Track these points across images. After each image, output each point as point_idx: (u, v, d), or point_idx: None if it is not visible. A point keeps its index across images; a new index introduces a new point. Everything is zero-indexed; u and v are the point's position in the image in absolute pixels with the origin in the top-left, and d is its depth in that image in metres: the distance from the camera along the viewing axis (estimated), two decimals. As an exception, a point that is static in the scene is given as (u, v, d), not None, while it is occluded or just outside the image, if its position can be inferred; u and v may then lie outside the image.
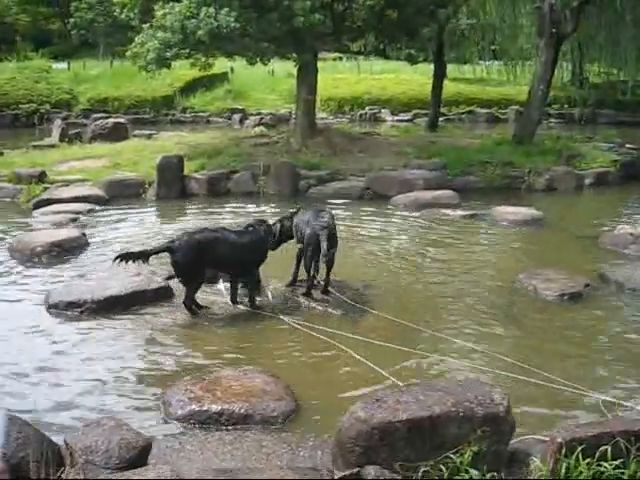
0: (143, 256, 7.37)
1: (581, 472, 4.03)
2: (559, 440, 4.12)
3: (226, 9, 13.53)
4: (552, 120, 29.12)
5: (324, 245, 7.38)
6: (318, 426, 5.16)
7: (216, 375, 5.77)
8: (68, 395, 5.61)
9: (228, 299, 7.77)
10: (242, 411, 5.20)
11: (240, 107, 30.37)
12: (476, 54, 26.11)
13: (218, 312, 7.57)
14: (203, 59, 16.03)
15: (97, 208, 12.56)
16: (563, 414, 5.38)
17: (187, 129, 25.40)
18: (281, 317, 7.38)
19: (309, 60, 16.47)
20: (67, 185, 13.77)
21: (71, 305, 7.42)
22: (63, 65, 34.42)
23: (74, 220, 11.54)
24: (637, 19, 18.25)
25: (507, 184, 14.98)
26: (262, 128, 22.71)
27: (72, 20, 43.69)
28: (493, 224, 11.93)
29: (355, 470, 4.14)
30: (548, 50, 17.25)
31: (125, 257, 7.28)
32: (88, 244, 10.06)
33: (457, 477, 4.08)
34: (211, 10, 13.49)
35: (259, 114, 29.12)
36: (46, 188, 13.51)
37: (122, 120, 22.95)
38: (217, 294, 8.01)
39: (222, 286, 8.13)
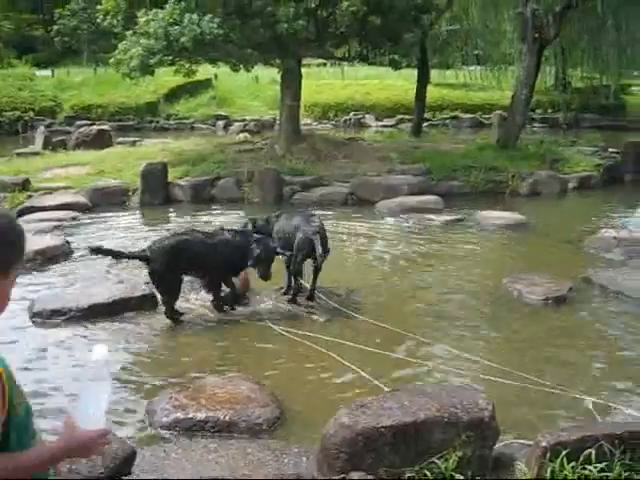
0: (118, 256, 7.49)
1: (566, 476, 4.05)
2: (544, 444, 4.13)
3: (209, 16, 13.55)
4: (536, 125, 29.25)
5: (319, 249, 7.41)
6: (303, 433, 5.15)
7: (201, 383, 5.76)
8: (51, 404, 5.57)
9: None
10: (227, 418, 5.18)
11: (224, 114, 30.40)
12: (459, 59, 26.16)
13: (202, 319, 7.54)
14: (187, 66, 16.03)
15: (81, 216, 12.50)
16: (548, 418, 5.39)
17: (171, 136, 25.34)
18: (266, 323, 7.37)
19: (293, 66, 16.49)
20: (51, 193, 13.70)
21: (55, 313, 7.38)
22: (47, 72, 34.35)
23: (58, 228, 11.48)
24: (619, 24, 18.34)
25: (491, 189, 15.01)
26: (246, 134, 22.74)
27: (55, 27, 43.62)
28: (477, 229, 11.96)
29: (340, 477, 4.14)
30: (531, 55, 17.35)
31: (100, 251, 7.39)
32: (72, 252, 10.01)
33: (442, 482, 4.09)
34: (194, 17, 13.50)
35: (243, 120, 29.17)
36: (30, 196, 13.45)
37: (106, 127, 22.93)
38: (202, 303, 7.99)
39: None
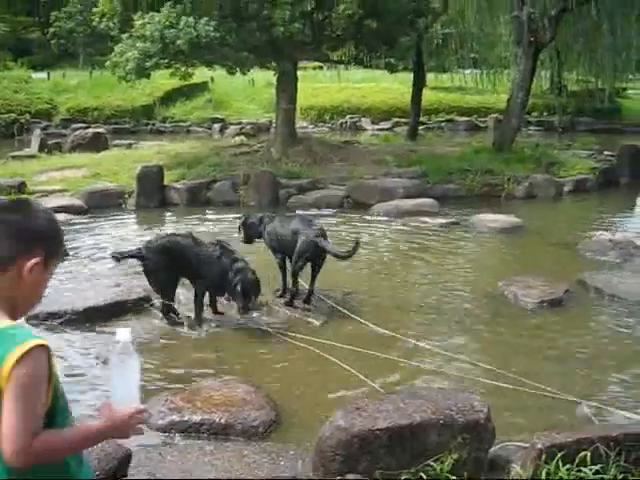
0: (115, 257, 7.63)
1: (561, 478, 4.05)
2: (539, 446, 4.14)
3: (205, 19, 13.56)
4: (531, 128, 29.24)
5: (331, 248, 7.62)
6: (299, 435, 5.15)
7: (197, 385, 5.76)
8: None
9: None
10: (223, 421, 5.19)
11: (220, 117, 30.35)
12: (455, 63, 26.20)
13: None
14: (183, 69, 16.02)
15: (77, 218, 12.49)
16: (543, 420, 5.39)
17: (167, 139, 25.31)
18: (262, 326, 7.37)
19: (289, 69, 16.50)
20: (46, 195, 13.67)
21: (51, 316, 7.36)
22: (43, 75, 34.25)
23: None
24: (614, 28, 18.39)
25: (487, 192, 15.02)
26: (242, 137, 22.70)
27: (51, 30, 43.57)
28: (473, 232, 11.97)
29: (336, 479, 4.14)
30: (527, 58, 17.36)
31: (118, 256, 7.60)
32: (68, 254, 10.00)
33: (438, 484, 4.10)
34: (190, 20, 13.51)
35: (239, 123, 29.11)
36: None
37: (102, 130, 22.89)
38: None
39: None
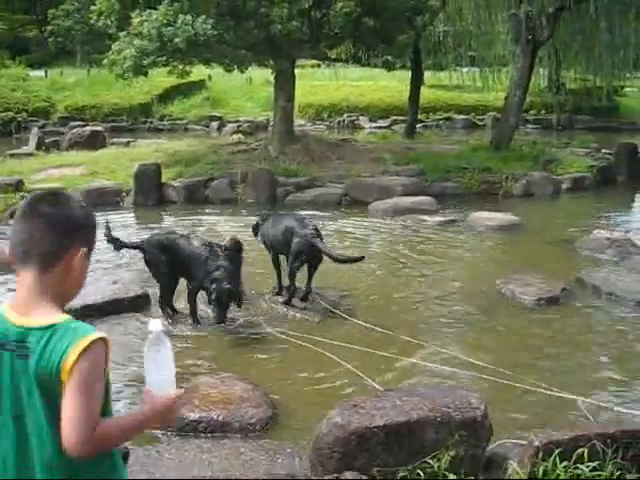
0: (116, 244, 7.70)
1: (558, 475, 4.06)
2: (536, 443, 4.15)
3: (203, 17, 13.53)
4: (529, 126, 29.27)
5: (326, 249, 7.67)
6: (296, 432, 5.15)
7: (194, 383, 5.76)
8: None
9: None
10: (220, 418, 5.19)
11: (218, 115, 30.35)
12: (453, 61, 26.18)
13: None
14: (180, 67, 16.00)
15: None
16: (540, 417, 5.40)
17: (165, 137, 25.29)
18: (260, 325, 7.37)
19: (286, 67, 16.49)
20: (44, 193, 13.65)
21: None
22: (40, 73, 34.25)
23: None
24: (612, 26, 18.41)
25: (484, 190, 15.02)
26: (240, 135, 22.71)
27: (49, 28, 43.54)
28: (471, 230, 11.97)
29: (333, 476, 4.14)
30: (524, 56, 17.37)
31: (111, 239, 7.64)
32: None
33: (435, 482, 4.10)
34: (188, 17, 13.49)
35: (237, 121, 29.13)
36: (23, 197, 13.39)
37: (99, 128, 22.93)
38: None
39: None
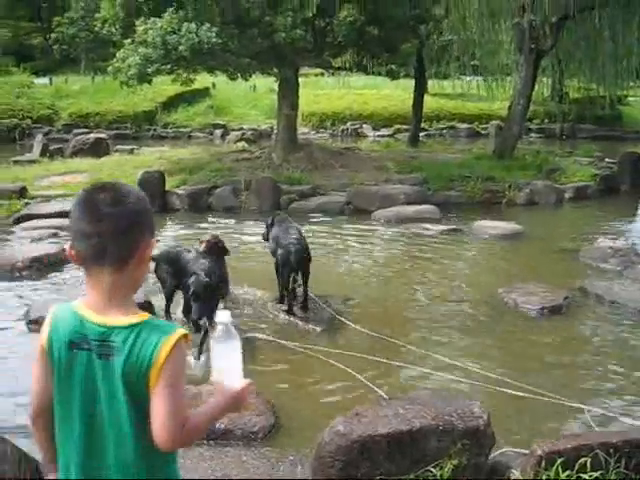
0: None
1: (560, 484, 4.05)
2: (539, 452, 4.13)
3: (207, 25, 13.58)
4: (532, 135, 29.30)
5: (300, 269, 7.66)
6: (299, 441, 5.14)
7: (196, 391, 5.74)
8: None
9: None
10: (222, 426, 5.17)
11: (222, 122, 30.39)
12: (456, 69, 26.18)
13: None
14: (185, 74, 16.05)
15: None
16: (543, 426, 5.39)
17: (169, 144, 25.32)
18: (261, 333, 7.37)
19: (290, 75, 16.53)
20: (48, 200, 13.69)
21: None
22: (45, 80, 34.35)
23: (55, 235, 11.48)
24: (615, 35, 18.39)
25: (488, 199, 15.00)
26: (244, 143, 22.76)
27: (54, 35, 43.62)
28: (474, 239, 11.97)
29: (335, 484, 4.13)
30: (528, 66, 17.39)
31: None
32: (69, 259, 9.98)
33: (437, 491, 4.09)
34: (192, 26, 13.53)
35: (241, 129, 29.15)
36: (27, 203, 13.45)
37: (103, 135, 22.97)
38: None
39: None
